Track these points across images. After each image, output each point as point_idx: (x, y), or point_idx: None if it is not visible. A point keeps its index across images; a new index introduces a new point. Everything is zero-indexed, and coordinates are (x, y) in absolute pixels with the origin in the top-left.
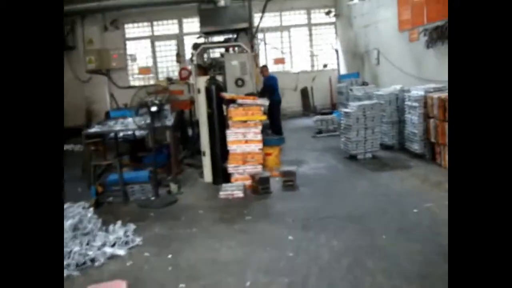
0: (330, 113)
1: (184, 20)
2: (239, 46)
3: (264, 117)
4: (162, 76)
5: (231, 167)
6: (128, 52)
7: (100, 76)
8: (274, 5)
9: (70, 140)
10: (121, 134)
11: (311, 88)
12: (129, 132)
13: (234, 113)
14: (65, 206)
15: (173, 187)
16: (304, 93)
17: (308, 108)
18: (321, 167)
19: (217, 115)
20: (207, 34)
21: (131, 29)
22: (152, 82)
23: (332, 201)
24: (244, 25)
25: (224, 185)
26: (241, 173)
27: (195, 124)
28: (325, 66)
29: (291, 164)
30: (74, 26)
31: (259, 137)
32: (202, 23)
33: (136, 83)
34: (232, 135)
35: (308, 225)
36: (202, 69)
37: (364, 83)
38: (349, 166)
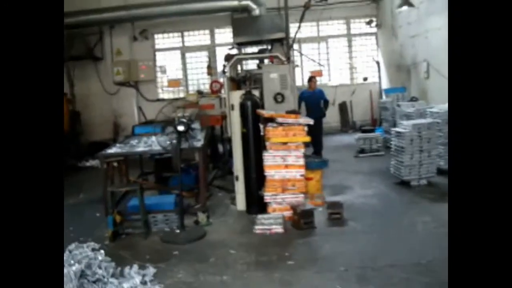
0: (372, 130)
1: (216, 31)
2: (276, 57)
3: (308, 139)
4: (192, 89)
5: (268, 196)
6: (158, 63)
7: (128, 88)
8: (311, 14)
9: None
10: None
11: (350, 102)
12: None
13: (273, 134)
14: (72, 247)
15: (201, 217)
16: (343, 108)
17: (346, 124)
18: (369, 195)
19: (253, 135)
20: (240, 45)
21: (161, 40)
22: (182, 95)
23: (390, 242)
24: (280, 35)
25: (259, 216)
26: (280, 203)
27: (227, 142)
28: (365, 79)
29: (335, 190)
30: (102, 36)
31: (301, 161)
32: (235, 33)
33: (165, 96)
34: (270, 158)
35: (365, 277)
36: (235, 82)
37: (413, 99)
38: (403, 194)
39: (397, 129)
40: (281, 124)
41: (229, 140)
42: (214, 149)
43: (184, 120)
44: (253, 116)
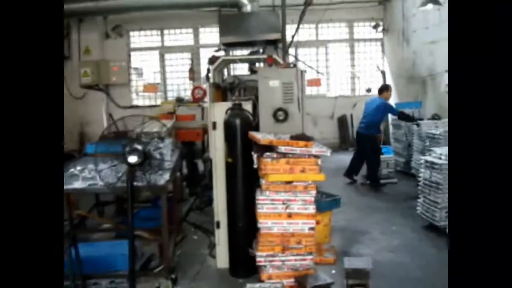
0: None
1: (201, 30)
2: (273, 59)
3: (323, 177)
4: (171, 95)
5: (261, 256)
6: (132, 65)
7: (97, 92)
8: (311, 15)
9: None
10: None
11: (351, 116)
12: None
13: (272, 168)
14: None
15: (165, 284)
16: (343, 122)
17: (346, 141)
18: (395, 246)
19: (242, 168)
20: (228, 46)
21: (137, 38)
22: (159, 102)
23: None
24: (275, 36)
25: (249, 286)
26: (279, 267)
27: (208, 162)
28: (368, 90)
29: (346, 236)
30: (69, 31)
31: (312, 209)
32: (223, 32)
33: (140, 102)
34: (267, 204)
35: None
36: (220, 90)
37: (436, 117)
38: (441, 248)
39: (429, 157)
40: (284, 155)
41: (211, 161)
42: (193, 171)
43: (138, 147)
44: (243, 141)
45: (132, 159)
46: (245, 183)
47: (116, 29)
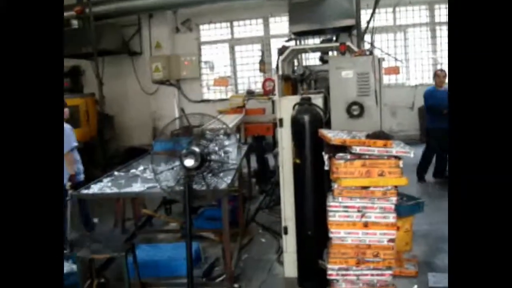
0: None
1: (271, 20)
2: (346, 46)
3: (405, 181)
4: (242, 88)
5: (333, 269)
6: (203, 58)
7: (169, 87)
8: None
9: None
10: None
11: None
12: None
13: (345, 171)
14: None
15: None
16: (424, 113)
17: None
18: None
19: (312, 170)
20: (299, 35)
21: (207, 31)
22: (230, 95)
23: None
24: (349, 22)
25: None
26: (353, 282)
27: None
28: None
29: (429, 244)
30: (140, 27)
31: (392, 218)
32: (293, 21)
33: (211, 96)
34: (339, 211)
35: None
36: (291, 82)
37: None
38: None
39: None
40: (359, 156)
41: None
42: (263, 167)
43: (195, 149)
44: (312, 140)
45: (189, 162)
46: (315, 187)
47: (186, 23)
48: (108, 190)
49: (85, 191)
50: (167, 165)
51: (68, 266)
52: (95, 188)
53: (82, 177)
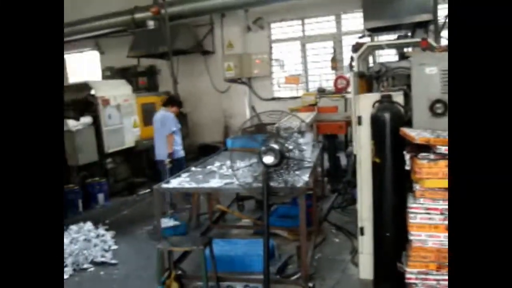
0: None
1: (343, 16)
2: (427, 43)
3: None
4: (313, 86)
5: (412, 273)
6: (274, 57)
7: (240, 85)
8: None
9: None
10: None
11: None
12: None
13: (428, 172)
14: None
15: None
16: None
17: None
18: None
19: (392, 169)
20: (373, 31)
21: (278, 29)
22: (301, 93)
23: None
24: (426, 17)
25: None
26: (432, 287)
27: (352, 156)
28: None
29: None
30: (213, 27)
31: None
32: (367, 17)
33: (282, 94)
34: (421, 213)
35: None
36: (365, 80)
37: None
38: None
39: None
40: (444, 156)
41: (355, 156)
42: (335, 166)
43: (274, 146)
44: (393, 138)
45: (268, 159)
46: (394, 187)
47: (257, 22)
48: (187, 185)
49: (165, 185)
50: (244, 161)
51: (172, 222)
52: (174, 183)
53: (181, 153)
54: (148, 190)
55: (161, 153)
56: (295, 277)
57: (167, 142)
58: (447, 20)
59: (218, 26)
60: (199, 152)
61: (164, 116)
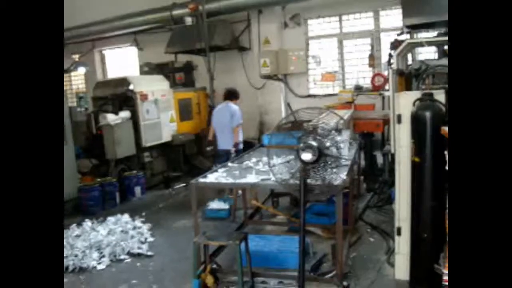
0: None
1: (382, 13)
2: None
3: None
4: (350, 84)
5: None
6: (310, 53)
7: (276, 82)
8: None
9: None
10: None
11: None
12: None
13: None
14: None
15: None
16: None
17: None
18: None
19: (432, 169)
20: (412, 28)
21: (315, 26)
22: (337, 90)
23: None
24: None
25: None
26: None
27: (387, 156)
28: None
29: None
30: (249, 23)
31: None
32: (406, 14)
33: (318, 91)
34: None
35: None
36: (404, 77)
37: None
38: None
39: None
40: None
41: (393, 155)
42: (371, 164)
43: (313, 143)
44: (434, 137)
45: (306, 156)
46: (434, 187)
47: (294, 18)
48: (223, 180)
49: (202, 180)
50: (280, 158)
51: (224, 205)
52: (211, 178)
53: (241, 146)
54: (183, 185)
55: (226, 142)
56: (330, 275)
57: (234, 133)
58: None
59: (255, 23)
60: None
61: (232, 109)
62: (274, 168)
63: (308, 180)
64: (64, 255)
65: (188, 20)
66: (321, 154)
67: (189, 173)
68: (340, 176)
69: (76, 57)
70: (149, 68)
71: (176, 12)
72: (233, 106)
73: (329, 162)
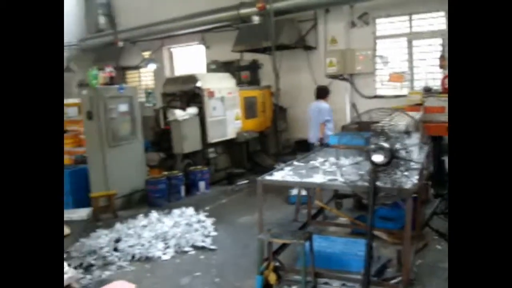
0: None
1: None
2: None
3: None
4: (418, 85)
5: None
6: (378, 53)
7: (341, 82)
8: None
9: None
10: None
11: None
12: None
13: None
14: None
15: None
16: None
17: None
18: None
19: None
20: None
21: (384, 25)
22: (405, 92)
23: None
24: None
25: None
26: None
27: None
28: None
29: None
30: (316, 23)
31: None
32: None
33: (385, 92)
34: None
35: None
36: None
37: None
38: None
39: None
40: None
41: None
42: (439, 169)
43: (385, 145)
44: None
45: (378, 158)
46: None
47: (362, 17)
48: (290, 179)
49: (268, 177)
50: (348, 159)
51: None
52: (278, 176)
53: (328, 141)
54: (246, 181)
55: (313, 136)
56: (395, 281)
57: (319, 128)
58: None
59: (322, 22)
60: (296, 147)
61: (321, 106)
62: (342, 169)
63: (378, 183)
64: (132, 244)
65: (256, 19)
66: (392, 157)
67: (252, 170)
68: (411, 180)
69: (146, 54)
70: (216, 66)
71: (244, 11)
72: (322, 104)
73: (400, 165)
